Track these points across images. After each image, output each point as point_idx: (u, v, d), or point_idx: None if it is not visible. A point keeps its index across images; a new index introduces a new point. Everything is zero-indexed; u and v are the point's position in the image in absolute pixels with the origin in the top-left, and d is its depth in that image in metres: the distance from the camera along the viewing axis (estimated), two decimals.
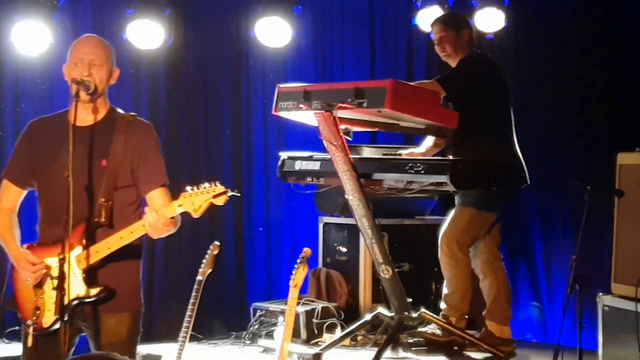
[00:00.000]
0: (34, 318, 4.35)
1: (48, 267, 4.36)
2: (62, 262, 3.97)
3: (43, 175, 4.47)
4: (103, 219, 4.36)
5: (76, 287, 4.28)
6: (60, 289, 3.96)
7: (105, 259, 4.34)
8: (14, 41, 7.42)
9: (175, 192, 4.40)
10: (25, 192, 4.60)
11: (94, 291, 4.34)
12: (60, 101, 4.40)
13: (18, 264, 4.41)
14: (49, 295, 4.34)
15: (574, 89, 8.28)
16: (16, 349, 5.44)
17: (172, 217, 4.34)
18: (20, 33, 7.37)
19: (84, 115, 4.46)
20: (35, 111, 7.54)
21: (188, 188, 4.24)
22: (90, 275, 4.35)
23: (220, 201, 4.25)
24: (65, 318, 3.98)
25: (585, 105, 8.20)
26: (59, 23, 7.50)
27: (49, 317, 4.36)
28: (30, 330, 4.35)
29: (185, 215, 4.42)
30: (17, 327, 4.76)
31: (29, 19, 7.34)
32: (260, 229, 8.52)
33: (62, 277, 3.97)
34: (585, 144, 8.12)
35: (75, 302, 4.30)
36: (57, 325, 4.14)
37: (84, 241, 4.33)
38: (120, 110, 4.58)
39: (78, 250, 4.32)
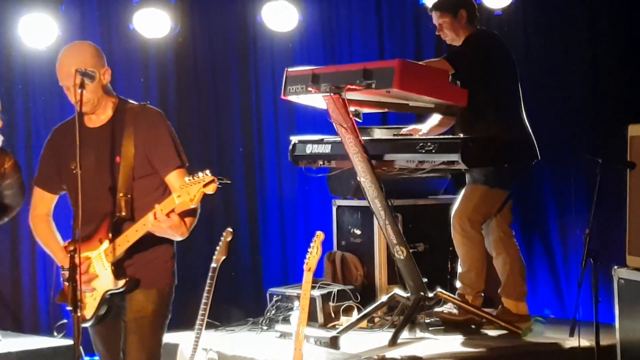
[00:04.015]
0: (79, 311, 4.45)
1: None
2: (72, 254, 4.05)
3: (69, 178, 4.56)
4: (124, 213, 4.47)
5: (107, 281, 4.46)
6: (71, 280, 4.04)
7: (133, 247, 4.45)
8: (21, 34, 7.45)
9: None
10: (57, 197, 4.76)
11: (121, 282, 4.47)
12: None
13: None
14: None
15: (584, 62, 8.21)
16: (65, 341, 5.57)
17: (181, 217, 4.42)
18: (27, 26, 7.41)
19: (96, 116, 4.58)
20: (45, 103, 7.58)
21: (186, 179, 4.29)
22: (119, 268, 4.49)
23: (210, 190, 4.27)
24: (78, 309, 4.07)
25: (596, 78, 8.14)
26: (65, 15, 7.51)
27: (88, 311, 4.52)
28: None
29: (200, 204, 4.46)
30: (65, 321, 4.93)
31: (35, 12, 7.37)
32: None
33: (73, 269, 4.04)
34: (596, 117, 8.06)
35: (108, 295, 4.48)
36: (102, 311, 4.45)
37: (110, 235, 4.46)
38: (131, 102, 4.64)
39: (106, 244, 4.46)
